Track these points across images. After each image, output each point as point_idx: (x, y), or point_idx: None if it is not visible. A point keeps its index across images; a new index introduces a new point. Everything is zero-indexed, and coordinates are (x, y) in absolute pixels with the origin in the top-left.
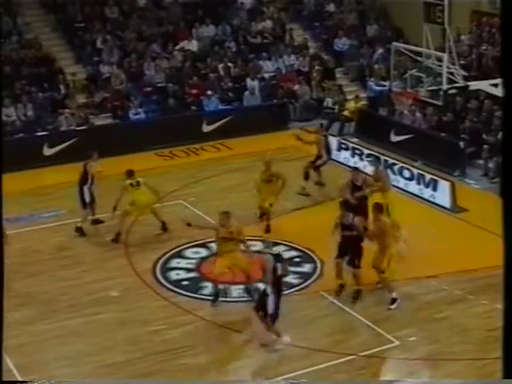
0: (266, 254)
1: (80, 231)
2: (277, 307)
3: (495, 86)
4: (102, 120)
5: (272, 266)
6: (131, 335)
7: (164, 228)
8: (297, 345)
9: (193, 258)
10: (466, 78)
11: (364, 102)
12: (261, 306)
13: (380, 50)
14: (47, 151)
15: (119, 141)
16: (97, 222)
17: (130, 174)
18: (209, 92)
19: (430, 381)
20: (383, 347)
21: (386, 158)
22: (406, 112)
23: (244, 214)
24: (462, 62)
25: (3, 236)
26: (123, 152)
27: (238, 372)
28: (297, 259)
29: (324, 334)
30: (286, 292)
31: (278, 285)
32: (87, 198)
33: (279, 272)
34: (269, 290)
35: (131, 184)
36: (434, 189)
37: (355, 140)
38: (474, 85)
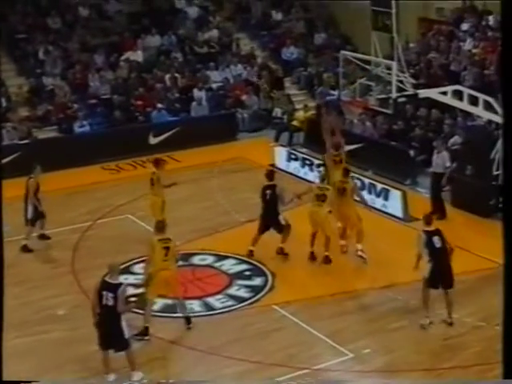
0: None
1: (25, 249)
2: (103, 340)
3: (444, 93)
4: (46, 133)
5: (97, 292)
6: (79, 354)
7: None
8: (249, 360)
9: (141, 274)
10: (415, 86)
11: (313, 112)
12: None
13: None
14: None
15: (64, 154)
16: (43, 237)
17: (155, 164)
18: (158, 105)
19: (428, 381)
20: (337, 360)
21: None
22: (355, 121)
23: (192, 228)
24: (411, 70)
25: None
26: (68, 166)
27: None
28: (247, 272)
29: (277, 348)
30: (237, 306)
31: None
32: (29, 215)
33: (104, 302)
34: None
35: (151, 179)
36: (386, 198)
37: (305, 150)
38: (423, 93)
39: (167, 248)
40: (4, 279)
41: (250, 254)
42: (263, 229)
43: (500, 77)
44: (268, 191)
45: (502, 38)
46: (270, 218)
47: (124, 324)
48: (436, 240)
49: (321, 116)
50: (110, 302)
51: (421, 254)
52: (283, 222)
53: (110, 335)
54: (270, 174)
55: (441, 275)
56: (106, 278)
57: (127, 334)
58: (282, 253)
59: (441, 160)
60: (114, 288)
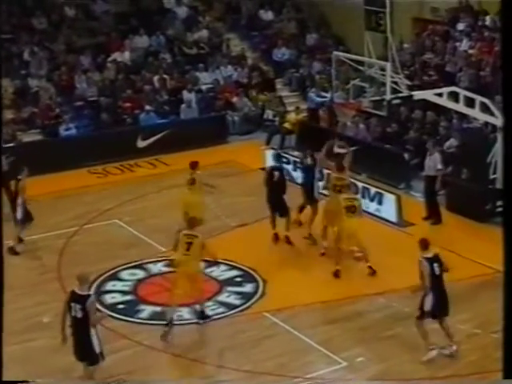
0: None
1: (12, 251)
2: (75, 352)
3: (439, 95)
4: (31, 136)
5: (67, 304)
6: (65, 362)
7: None
8: (240, 368)
9: (129, 280)
10: (409, 88)
11: (305, 114)
12: None
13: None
14: None
15: (49, 158)
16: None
17: (192, 166)
18: (146, 106)
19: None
20: (330, 368)
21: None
22: (348, 123)
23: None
24: (406, 71)
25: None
26: (54, 170)
27: None
28: (238, 279)
29: (268, 357)
30: (228, 313)
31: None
32: (19, 215)
33: (73, 313)
34: None
35: (190, 180)
36: (380, 202)
37: (296, 153)
38: (418, 94)
39: (190, 243)
40: (4, 280)
41: (276, 237)
42: (274, 211)
43: (501, 77)
44: (276, 173)
45: (502, 38)
46: (275, 201)
47: (94, 337)
48: (436, 267)
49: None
50: (79, 314)
51: (426, 285)
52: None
53: (81, 348)
54: (277, 156)
55: (442, 304)
56: (75, 289)
57: (98, 347)
58: (288, 242)
59: (433, 162)
60: (83, 299)
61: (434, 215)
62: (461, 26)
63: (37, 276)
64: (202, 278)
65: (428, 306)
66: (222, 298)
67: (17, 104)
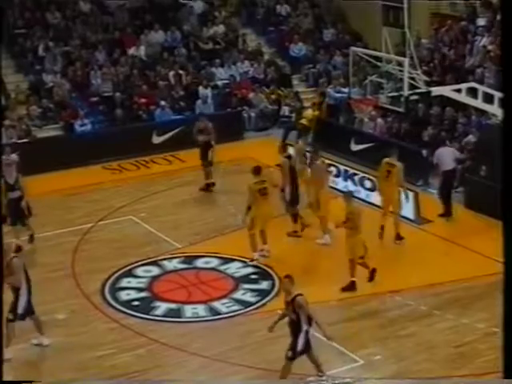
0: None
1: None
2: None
3: (458, 91)
4: (46, 132)
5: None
6: (79, 360)
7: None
8: (255, 366)
9: (144, 277)
10: (427, 84)
11: (322, 110)
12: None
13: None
14: None
15: (64, 154)
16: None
17: (257, 172)
18: (162, 102)
19: (432, 379)
20: (347, 367)
21: (347, 168)
22: (366, 120)
23: (197, 230)
24: (424, 67)
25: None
26: (68, 166)
27: None
28: (253, 276)
29: (284, 355)
30: (243, 311)
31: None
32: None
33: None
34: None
35: (259, 190)
36: None
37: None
38: (436, 90)
39: (389, 171)
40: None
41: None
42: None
43: (501, 75)
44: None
45: (502, 36)
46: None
47: None
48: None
49: None
50: None
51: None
52: None
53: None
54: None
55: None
56: None
57: None
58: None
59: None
60: None
61: (445, 209)
62: (480, 22)
63: (49, 273)
64: (398, 203)
65: (300, 346)
66: (238, 295)
67: (31, 100)
